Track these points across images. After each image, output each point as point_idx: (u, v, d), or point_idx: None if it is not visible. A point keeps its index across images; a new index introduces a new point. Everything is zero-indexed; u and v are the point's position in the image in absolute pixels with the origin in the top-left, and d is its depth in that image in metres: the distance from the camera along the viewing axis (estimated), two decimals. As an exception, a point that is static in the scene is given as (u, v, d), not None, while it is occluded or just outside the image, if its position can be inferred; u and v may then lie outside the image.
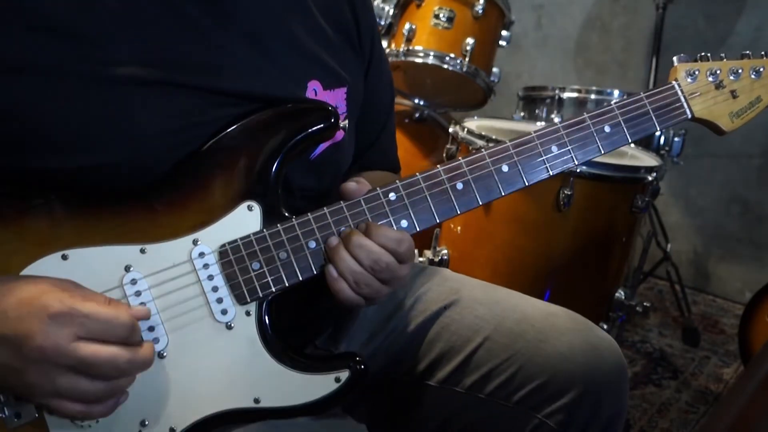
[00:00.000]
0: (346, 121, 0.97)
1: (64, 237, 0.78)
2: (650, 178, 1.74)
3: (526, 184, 0.93)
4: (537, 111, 2.38)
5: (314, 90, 0.95)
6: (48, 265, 0.77)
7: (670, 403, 2.13)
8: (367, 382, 0.87)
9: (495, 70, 2.39)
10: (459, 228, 1.86)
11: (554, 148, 0.94)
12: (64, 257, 0.78)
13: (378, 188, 0.88)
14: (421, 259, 1.93)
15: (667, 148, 2.32)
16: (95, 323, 0.71)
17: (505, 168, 0.92)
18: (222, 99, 0.86)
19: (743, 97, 1.01)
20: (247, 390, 0.84)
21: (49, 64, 0.76)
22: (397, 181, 0.89)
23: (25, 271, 0.77)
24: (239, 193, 0.84)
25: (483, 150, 0.92)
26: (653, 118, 0.97)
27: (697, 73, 0.99)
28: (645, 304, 1.90)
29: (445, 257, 1.85)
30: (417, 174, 0.90)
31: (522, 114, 2.41)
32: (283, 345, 0.85)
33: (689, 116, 0.99)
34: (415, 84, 2.55)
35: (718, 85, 1.00)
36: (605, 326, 1.82)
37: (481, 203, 0.91)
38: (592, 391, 0.95)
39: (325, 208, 0.86)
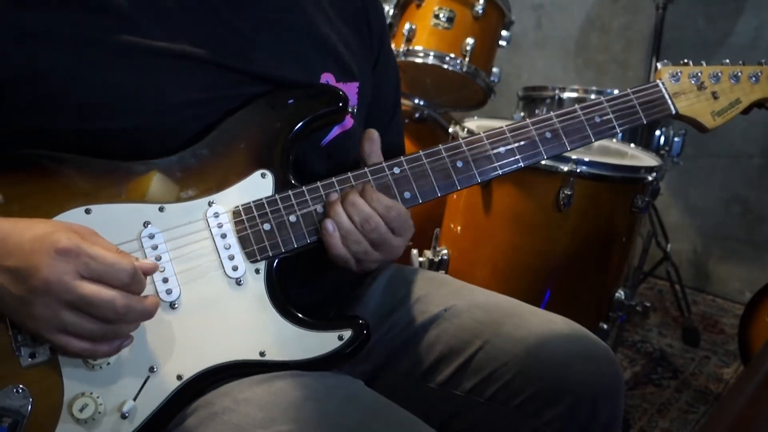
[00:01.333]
0: (355, 106, 1.03)
1: (88, 193, 0.85)
2: (650, 178, 1.74)
3: (522, 165, 1.00)
4: (537, 111, 2.38)
5: (327, 81, 1.01)
6: (72, 217, 0.83)
7: (670, 403, 2.13)
8: (367, 344, 0.91)
9: (495, 70, 2.39)
10: (459, 228, 1.86)
11: (548, 134, 1.01)
12: (88, 211, 0.84)
13: (383, 162, 0.95)
14: (421, 259, 1.93)
15: (667, 148, 2.32)
16: (98, 264, 0.74)
17: (502, 150, 0.99)
18: (244, 78, 0.93)
19: (723, 98, 1.10)
20: (253, 343, 0.88)
21: (85, 35, 0.84)
22: (402, 157, 0.96)
23: None
24: (254, 162, 0.91)
25: (482, 133, 0.99)
26: (640, 111, 1.05)
27: (679, 74, 1.09)
28: (645, 304, 1.90)
29: (445, 257, 1.85)
30: (420, 151, 0.97)
31: (522, 114, 2.41)
32: (290, 303, 0.90)
33: (673, 112, 1.08)
34: (415, 84, 2.55)
35: (700, 87, 1.09)
36: (605, 326, 1.82)
37: (480, 180, 0.99)
38: (588, 398, 0.97)
39: (333, 178, 0.94)
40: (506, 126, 1.00)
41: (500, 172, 0.99)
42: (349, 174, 0.94)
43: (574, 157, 1.63)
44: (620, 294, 1.83)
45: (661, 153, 2.29)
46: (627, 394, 2.14)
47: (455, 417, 1.01)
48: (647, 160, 1.86)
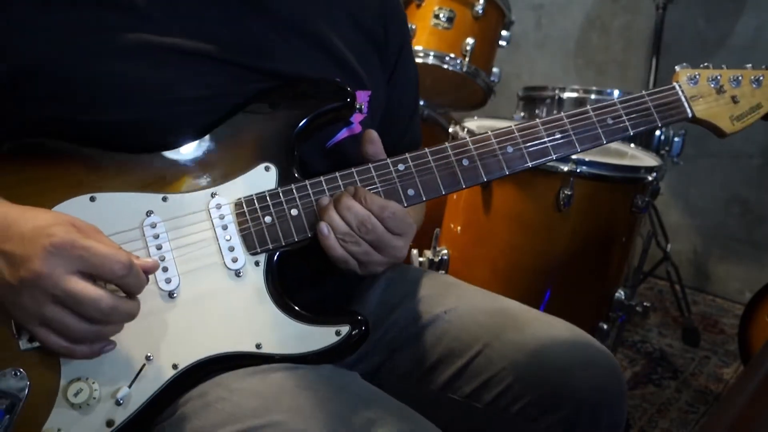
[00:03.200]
0: (363, 104, 1.02)
1: (94, 182, 0.86)
2: (650, 178, 1.74)
3: (530, 164, 0.98)
4: (537, 111, 2.38)
5: None
6: (77, 204, 0.85)
7: (670, 403, 2.13)
8: (365, 340, 0.90)
9: (495, 70, 2.39)
10: (459, 228, 1.86)
11: (558, 135, 0.99)
12: (92, 199, 0.86)
13: (388, 159, 0.95)
14: (421, 259, 1.93)
15: (667, 148, 2.32)
16: (93, 257, 0.74)
17: (510, 149, 0.98)
18: (254, 76, 0.94)
19: (744, 102, 1.07)
20: (250, 335, 0.88)
21: (98, 31, 0.86)
22: (407, 154, 0.95)
23: (56, 208, 0.84)
24: (258, 155, 0.92)
25: (489, 131, 0.98)
26: (654, 114, 1.03)
27: (698, 77, 1.06)
28: (645, 304, 1.90)
29: (445, 257, 1.85)
30: (426, 149, 0.96)
31: (522, 114, 2.41)
32: (289, 297, 0.90)
33: (690, 115, 1.05)
34: (415, 84, 2.54)
35: (719, 90, 1.06)
36: (605, 326, 1.82)
37: (486, 179, 0.97)
38: (589, 404, 0.96)
39: (336, 173, 0.93)
40: (515, 125, 0.99)
41: (507, 172, 0.97)
42: (353, 169, 0.93)
43: (574, 157, 1.63)
44: (620, 294, 1.83)
45: (661, 153, 2.29)
46: (627, 394, 2.14)
47: (455, 422, 1.00)
48: (647, 160, 1.86)
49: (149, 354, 0.84)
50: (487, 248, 1.78)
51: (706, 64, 1.07)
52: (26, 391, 0.79)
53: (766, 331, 2.04)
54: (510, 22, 2.43)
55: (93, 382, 0.81)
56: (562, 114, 1.00)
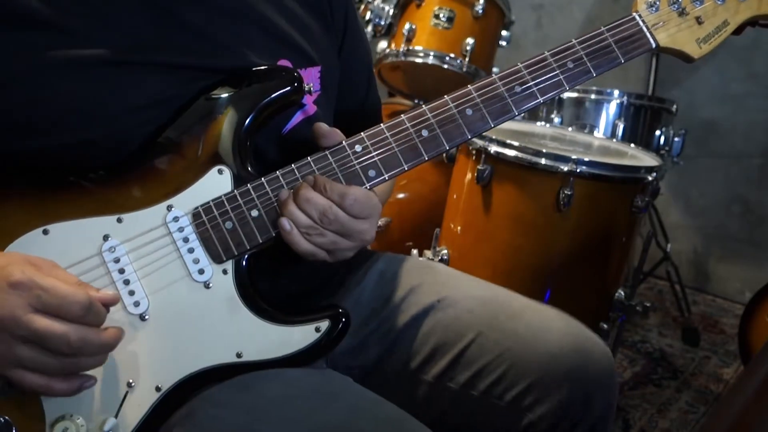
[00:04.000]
0: (311, 84, 0.97)
1: (44, 213, 0.82)
2: (650, 178, 1.73)
3: (492, 125, 0.94)
4: (537, 110, 2.38)
5: None
6: (30, 240, 0.81)
7: (670, 403, 2.13)
8: (346, 332, 0.88)
9: (495, 70, 2.39)
10: (459, 228, 1.86)
11: (517, 88, 0.95)
12: (45, 232, 0.82)
13: (343, 141, 0.90)
14: (421, 259, 1.92)
15: (667, 148, 2.32)
16: (51, 297, 0.72)
17: (469, 111, 0.94)
18: (196, 74, 0.89)
19: (708, 22, 1.01)
20: (229, 345, 0.86)
21: (19, 54, 0.80)
22: (362, 133, 0.91)
23: (9, 248, 0.80)
24: (210, 159, 0.87)
25: (445, 96, 0.94)
26: (616, 50, 0.97)
27: (658, 3, 0.99)
28: (645, 304, 1.90)
29: (445, 257, 1.85)
30: (381, 124, 0.91)
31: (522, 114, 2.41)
32: (263, 300, 0.88)
33: (653, 46, 0.99)
34: (415, 84, 2.55)
35: (681, 13, 1.00)
36: (605, 326, 1.82)
37: (448, 148, 0.93)
38: (582, 392, 0.96)
39: (293, 165, 0.89)
40: (472, 86, 0.94)
41: (469, 136, 0.93)
42: (309, 159, 0.89)
43: (574, 157, 1.63)
44: (620, 294, 1.83)
45: (661, 153, 2.28)
46: (627, 394, 2.14)
47: (450, 411, 1.01)
48: (647, 160, 1.86)
49: (131, 380, 0.82)
50: (487, 248, 1.78)
51: None
52: None
53: (766, 331, 2.04)
54: (510, 22, 2.43)
55: (78, 419, 0.80)
56: (519, 65, 0.95)
